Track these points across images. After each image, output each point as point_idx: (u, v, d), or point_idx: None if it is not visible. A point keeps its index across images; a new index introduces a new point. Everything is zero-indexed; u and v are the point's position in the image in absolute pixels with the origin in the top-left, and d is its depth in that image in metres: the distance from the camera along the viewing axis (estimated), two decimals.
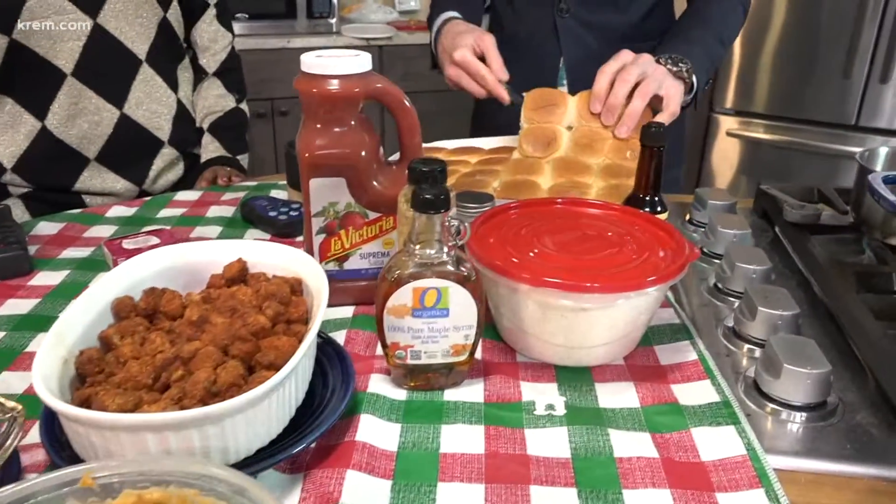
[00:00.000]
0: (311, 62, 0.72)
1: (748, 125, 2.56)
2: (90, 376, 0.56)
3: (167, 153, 1.26)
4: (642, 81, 0.98)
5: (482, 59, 1.07)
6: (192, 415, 0.48)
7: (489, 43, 1.07)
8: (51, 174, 1.18)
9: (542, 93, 1.06)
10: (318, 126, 0.73)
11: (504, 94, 1.06)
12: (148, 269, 0.68)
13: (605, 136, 0.99)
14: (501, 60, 1.07)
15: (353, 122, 0.74)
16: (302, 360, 0.56)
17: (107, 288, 0.64)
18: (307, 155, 0.73)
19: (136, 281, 0.67)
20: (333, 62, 0.71)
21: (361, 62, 0.72)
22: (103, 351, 0.60)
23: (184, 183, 1.30)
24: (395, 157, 0.80)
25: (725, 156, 2.64)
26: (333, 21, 2.65)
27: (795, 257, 0.87)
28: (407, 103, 0.75)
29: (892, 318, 0.73)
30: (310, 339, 0.57)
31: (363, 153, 0.74)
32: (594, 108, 1.00)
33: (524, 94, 1.06)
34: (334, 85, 0.71)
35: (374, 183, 0.75)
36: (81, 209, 1.05)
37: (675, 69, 1.03)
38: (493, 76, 1.06)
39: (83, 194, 1.20)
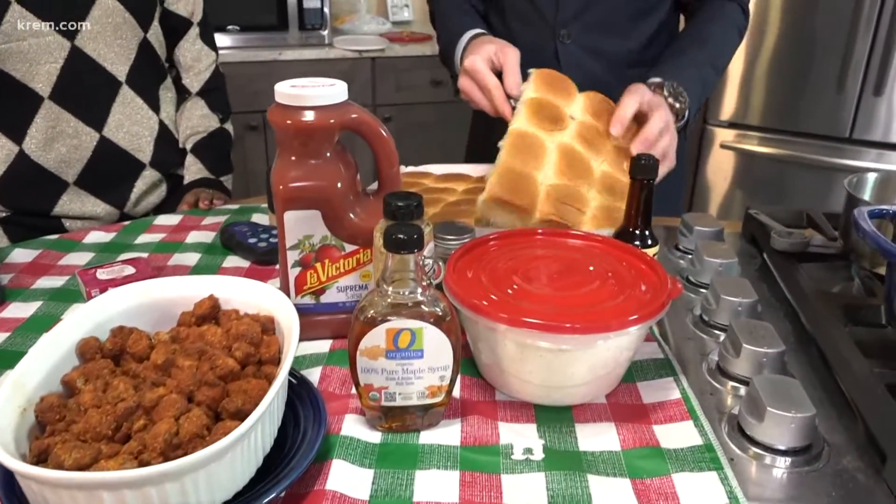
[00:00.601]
0: (285, 92, 0.70)
1: (743, 138, 2.54)
2: (50, 424, 0.55)
3: (149, 175, 1.24)
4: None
5: (499, 73, 0.99)
6: (149, 473, 0.46)
7: (510, 57, 0.98)
8: (29, 198, 1.16)
9: (553, 74, 0.98)
10: (293, 158, 0.72)
11: (508, 112, 0.96)
12: (117, 307, 0.66)
13: (607, 137, 0.95)
14: (520, 77, 0.98)
15: (328, 154, 0.72)
16: (270, 406, 0.54)
17: (72, 328, 0.62)
18: (281, 188, 0.71)
19: (104, 319, 0.65)
20: (308, 92, 0.70)
21: (337, 92, 0.71)
22: (66, 396, 0.58)
23: (167, 204, 1.28)
24: (374, 186, 0.79)
25: (720, 168, 2.63)
26: (325, 33, 2.64)
27: (783, 287, 0.86)
28: (384, 133, 0.74)
29: (880, 354, 0.71)
30: (278, 385, 0.55)
31: (339, 185, 0.72)
32: (614, 129, 0.94)
33: (531, 70, 0.98)
34: (309, 116, 0.70)
35: (351, 215, 0.74)
36: (58, 235, 1.03)
37: (675, 105, 1.01)
38: (501, 91, 0.97)
39: (63, 218, 1.18)
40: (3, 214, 1.16)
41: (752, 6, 2.30)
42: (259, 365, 0.63)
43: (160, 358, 0.59)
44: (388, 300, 0.60)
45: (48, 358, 0.59)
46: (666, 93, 1.01)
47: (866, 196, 0.91)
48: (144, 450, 0.51)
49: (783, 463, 0.60)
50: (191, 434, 0.52)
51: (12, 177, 1.14)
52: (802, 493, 0.57)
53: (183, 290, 0.68)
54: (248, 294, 0.68)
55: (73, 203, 1.17)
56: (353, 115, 0.72)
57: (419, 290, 0.60)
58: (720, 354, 0.72)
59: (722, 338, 0.76)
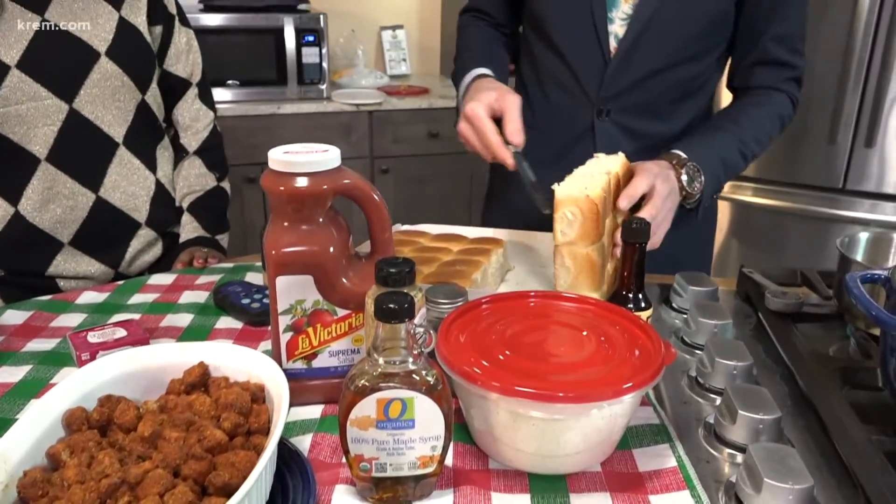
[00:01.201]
0: (279, 158, 0.71)
1: (738, 189, 2.56)
2: (33, 501, 0.54)
3: (144, 234, 1.24)
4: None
5: (499, 120, 0.98)
6: None
7: (511, 104, 0.98)
8: (23, 259, 1.16)
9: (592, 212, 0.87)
10: (286, 224, 0.72)
11: (507, 158, 0.95)
12: (105, 375, 0.66)
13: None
14: (520, 125, 0.97)
15: (321, 219, 0.72)
16: (258, 481, 0.53)
17: (60, 398, 0.62)
18: (274, 253, 0.71)
19: (92, 388, 0.65)
20: (301, 158, 0.70)
21: (330, 158, 0.71)
22: (50, 469, 0.57)
23: (162, 263, 1.28)
24: (366, 245, 0.79)
25: (716, 218, 2.64)
26: (324, 87, 2.68)
27: (779, 348, 0.85)
28: (377, 198, 0.74)
29: (878, 420, 0.70)
30: (266, 458, 0.54)
31: (331, 250, 0.72)
32: (623, 203, 0.92)
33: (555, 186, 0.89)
34: (302, 182, 0.70)
35: (343, 280, 0.73)
36: (51, 296, 1.02)
37: (687, 188, 1.01)
38: (499, 138, 0.96)
39: (57, 278, 1.18)
40: None
41: None
42: (248, 435, 0.62)
43: (147, 430, 0.58)
44: (379, 369, 0.60)
45: (34, 429, 0.58)
46: (684, 172, 1.01)
47: (859, 256, 0.91)
48: None
49: None
50: None
51: (7, 238, 1.14)
52: None
53: (173, 357, 0.68)
54: (238, 361, 0.68)
55: (68, 263, 1.17)
56: (346, 181, 0.72)
57: (410, 359, 0.60)
58: (716, 420, 0.71)
59: (718, 402, 0.75)
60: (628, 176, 0.96)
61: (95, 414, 0.62)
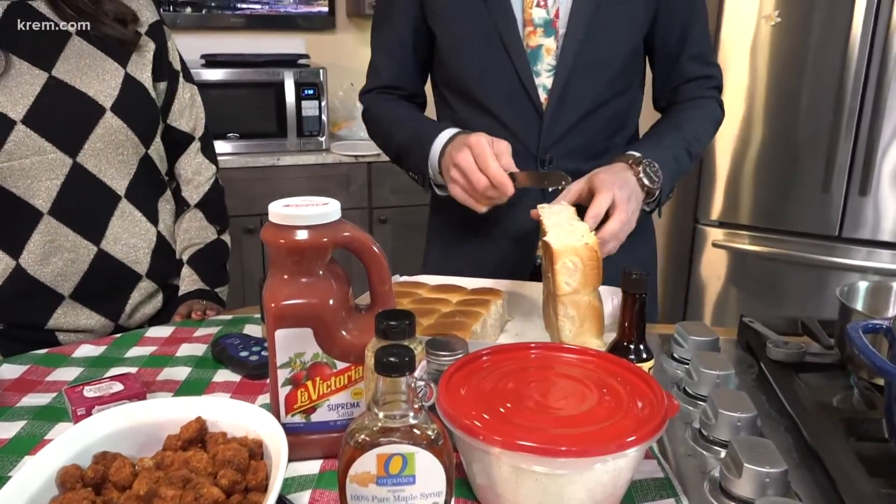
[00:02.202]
0: (279, 212, 0.71)
1: (734, 236, 2.58)
2: None
3: (145, 286, 1.24)
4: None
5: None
6: None
7: (504, 147, 1.02)
8: (23, 312, 1.15)
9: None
10: (286, 276, 0.72)
11: (508, 184, 0.98)
12: (101, 431, 0.65)
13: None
14: (512, 161, 1.01)
15: (321, 272, 0.72)
16: None
17: (54, 455, 0.61)
18: (273, 306, 0.71)
19: (88, 444, 0.64)
20: (301, 212, 0.71)
21: (330, 211, 0.72)
22: None
23: (162, 315, 1.27)
24: (367, 297, 0.79)
25: (713, 266, 2.65)
26: (323, 139, 2.71)
27: (783, 399, 0.84)
28: (376, 251, 0.74)
29: (885, 472, 0.69)
30: None
31: (331, 302, 0.72)
32: (589, 222, 0.94)
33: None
34: (302, 235, 0.70)
35: (343, 332, 0.73)
36: (48, 349, 1.02)
37: (647, 184, 1.04)
38: (498, 163, 0.99)
39: (57, 331, 1.17)
40: None
41: (737, 112, 2.40)
42: (246, 492, 0.61)
43: (143, 488, 0.57)
44: (379, 424, 0.59)
45: (27, 488, 0.57)
46: (641, 170, 1.04)
47: (859, 305, 0.91)
48: None
49: None
50: None
51: (8, 291, 1.13)
52: None
53: (169, 413, 0.67)
54: (236, 416, 0.67)
55: (68, 316, 1.17)
56: (346, 234, 0.72)
57: (411, 413, 0.59)
58: (721, 474, 0.70)
59: (723, 454, 0.74)
60: (588, 185, 1.00)
61: (90, 471, 0.61)
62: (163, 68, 1.25)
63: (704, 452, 0.77)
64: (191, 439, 0.65)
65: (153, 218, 1.25)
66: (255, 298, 1.13)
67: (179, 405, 0.68)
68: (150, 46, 1.22)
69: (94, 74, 1.14)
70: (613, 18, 1.14)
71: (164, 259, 1.27)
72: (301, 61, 2.76)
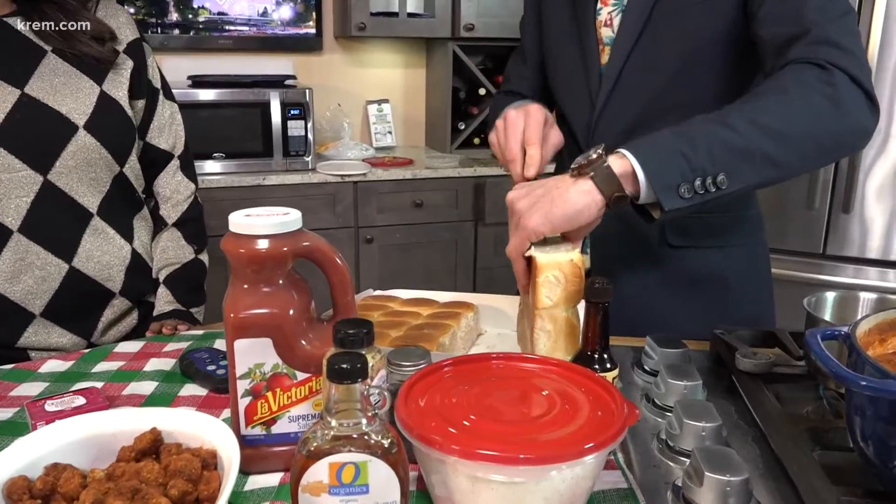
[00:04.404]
0: (238, 222, 0.71)
1: None
2: None
3: (118, 304, 1.23)
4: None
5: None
6: None
7: (554, 140, 1.01)
8: None
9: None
10: (246, 286, 0.72)
11: (517, 169, 0.98)
12: (54, 442, 0.64)
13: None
14: (541, 160, 0.97)
15: (281, 282, 0.72)
16: None
17: (2, 466, 0.60)
18: (232, 316, 0.71)
19: (40, 455, 0.63)
20: (261, 221, 0.71)
21: (290, 220, 0.72)
22: None
23: (137, 333, 1.26)
24: (329, 313, 0.78)
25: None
26: (309, 159, 2.72)
27: (751, 409, 0.84)
28: (338, 261, 0.74)
29: (849, 481, 0.69)
30: None
31: (291, 312, 0.72)
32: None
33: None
34: (262, 245, 0.70)
35: (303, 342, 0.73)
36: (13, 364, 1.00)
37: (581, 160, 0.87)
38: (517, 146, 0.98)
39: (28, 350, 1.16)
40: None
41: None
42: (197, 503, 0.60)
43: (90, 498, 0.56)
44: (332, 432, 0.59)
45: None
46: (574, 172, 0.87)
47: (826, 315, 0.91)
48: None
49: None
50: None
51: None
52: None
53: (125, 424, 0.66)
54: (192, 426, 0.66)
55: (39, 335, 1.15)
56: (306, 243, 0.72)
57: (364, 421, 0.59)
58: (683, 483, 0.69)
59: (687, 464, 0.73)
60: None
61: (39, 483, 0.60)
62: (141, 86, 1.25)
63: (670, 463, 0.76)
64: (144, 450, 0.64)
65: (127, 235, 1.24)
66: None
67: (135, 416, 0.67)
68: (128, 64, 1.22)
69: (68, 92, 1.14)
70: (666, 26, 1.05)
71: (138, 277, 1.26)
72: (288, 82, 2.77)
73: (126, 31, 1.24)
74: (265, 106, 2.65)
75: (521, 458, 0.60)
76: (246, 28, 2.99)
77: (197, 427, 0.66)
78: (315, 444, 0.58)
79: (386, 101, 3.27)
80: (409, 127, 3.38)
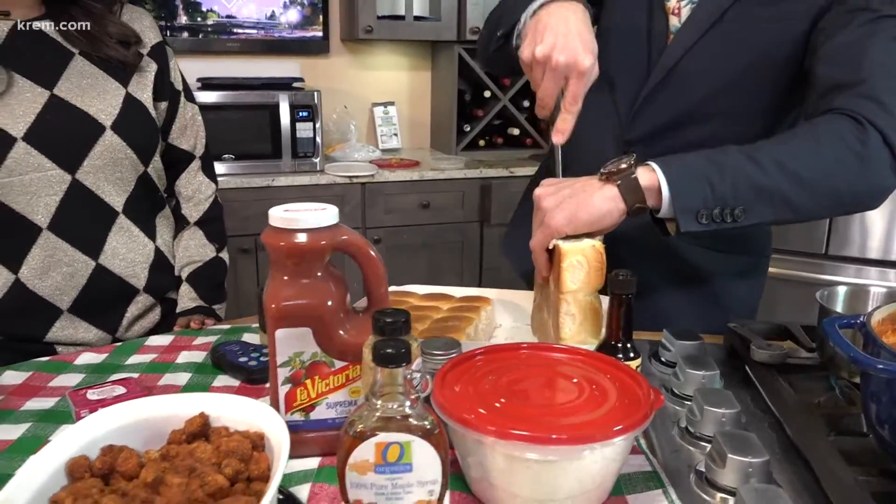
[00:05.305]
0: (279, 216, 0.74)
1: None
2: None
3: (142, 300, 1.26)
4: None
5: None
6: None
7: (586, 76, 0.92)
8: (22, 325, 1.17)
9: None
10: (286, 278, 0.75)
11: (545, 112, 0.94)
12: (107, 426, 0.67)
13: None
14: (571, 123, 0.94)
15: (319, 274, 0.75)
16: None
17: (62, 448, 0.63)
18: (273, 306, 0.74)
19: (94, 438, 0.65)
20: (301, 216, 0.74)
21: (328, 216, 0.75)
22: None
23: (159, 329, 1.29)
24: (363, 302, 0.81)
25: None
26: (317, 160, 2.75)
27: (766, 398, 0.87)
28: (373, 254, 0.77)
29: (864, 462, 0.72)
30: (266, 501, 0.55)
31: (329, 303, 0.75)
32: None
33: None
34: (301, 238, 0.73)
35: (341, 332, 0.76)
36: (49, 357, 1.04)
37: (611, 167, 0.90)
38: (555, 92, 0.93)
39: (55, 344, 1.19)
40: None
41: None
42: (248, 482, 0.63)
43: (150, 476, 0.59)
44: (377, 414, 0.62)
45: (36, 478, 0.59)
46: (604, 176, 0.91)
47: (838, 308, 0.95)
48: None
49: None
50: None
51: (7, 305, 1.15)
52: None
53: (173, 409, 0.69)
54: (238, 411, 0.69)
55: (66, 330, 1.19)
56: (344, 237, 0.75)
57: (407, 404, 0.62)
58: (706, 465, 0.72)
59: (708, 448, 0.76)
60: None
61: (98, 463, 0.62)
62: (164, 88, 1.28)
63: (690, 448, 0.79)
64: (195, 433, 0.67)
65: (151, 233, 1.27)
66: (251, 316, 1.16)
67: (183, 401, 0.70)
68: (151, 67, 1.26)
69: (95, 94, 1.17)
70: (732, 33, 1.03)
71: (161, 274, 1.29)
72: (296, 84, 2.81)
73: (150, 35, 1.27)
74: (274, 108, 2.68)
75: (555, 439, 0.63)
76: (254, 31, 3.02)
77: (244, 411, 0.68)
78: (361, 426, 0.61)
79: (392, 103, 3.30)
80: (415, 129, 3.42)
